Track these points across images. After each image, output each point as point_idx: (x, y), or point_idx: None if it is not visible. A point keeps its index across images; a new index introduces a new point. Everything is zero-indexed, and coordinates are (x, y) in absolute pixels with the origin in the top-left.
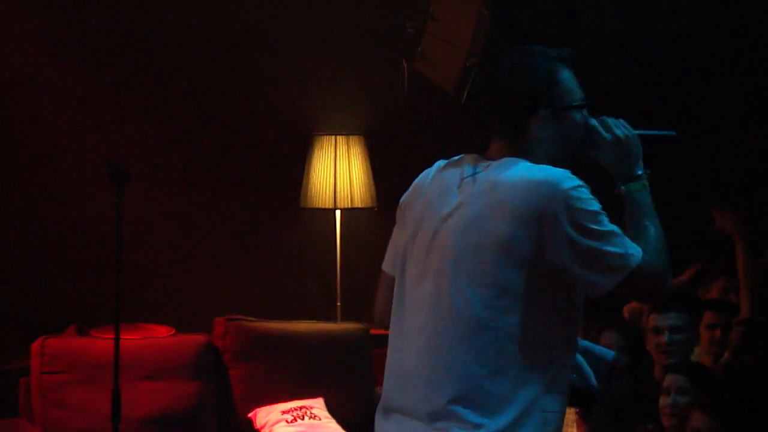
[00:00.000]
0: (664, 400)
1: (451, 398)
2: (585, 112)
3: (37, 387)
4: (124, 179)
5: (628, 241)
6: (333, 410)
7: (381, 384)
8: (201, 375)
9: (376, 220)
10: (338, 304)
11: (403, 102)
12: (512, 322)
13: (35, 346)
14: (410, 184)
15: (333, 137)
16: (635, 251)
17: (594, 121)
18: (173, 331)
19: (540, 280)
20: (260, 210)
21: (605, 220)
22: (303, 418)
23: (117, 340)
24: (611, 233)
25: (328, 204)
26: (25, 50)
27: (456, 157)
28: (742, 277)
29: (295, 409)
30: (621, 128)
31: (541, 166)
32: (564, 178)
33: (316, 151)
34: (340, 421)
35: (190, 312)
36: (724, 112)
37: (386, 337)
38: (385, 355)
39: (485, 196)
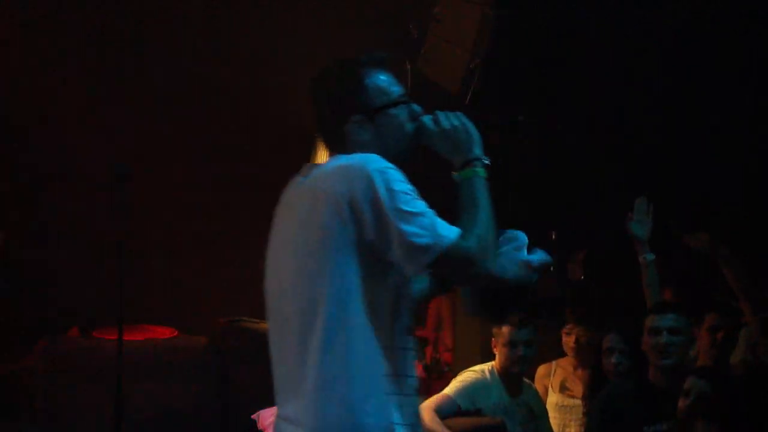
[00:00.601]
0: (683, 402)
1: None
2: (414, 107)
3: (40, 388)
4: (128, 180)
5: (440, 223)
6: None
7: None
8: (203, 376)
9: None
10: None
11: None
12: (348, 307)
13: (38, 347)
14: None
15: None
16: (447, 233)
17: (426, 117)
18: (176, 333)
19: (369, 264)
20: (263, 211)
21: (415, 201)
22: None
23: (120, 341)
24: (420, 214)
25: None
26: (28, 54)
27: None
28: (736, 287)
29: None
30: (451, 120)
31: (355, 154)
32: (370, 160)
33: (319, 152)
34: None
35: (192, 313)
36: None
37: None
38: None
39: (307, 196)
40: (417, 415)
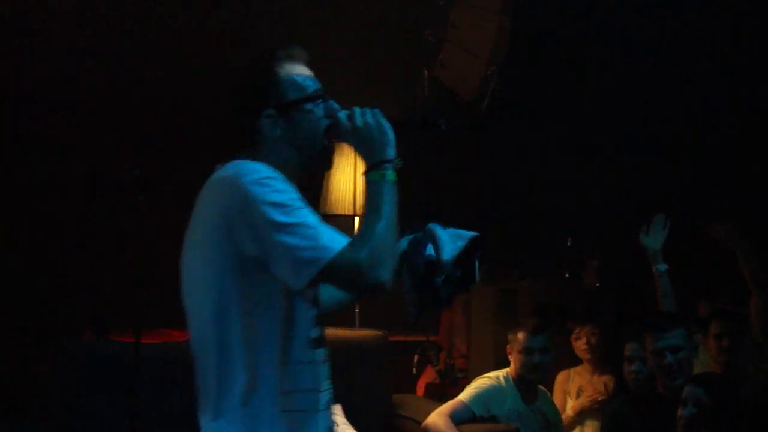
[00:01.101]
0: (681, 411)
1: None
2: (331, 103)
3: (55, 390)
4: (144, 183)
5: (322, 233)
6: (351, 417)
7: (399, 391)
8: None
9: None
10: (356, 310)
11: (423, 109)
12: (235, 324)
13: (54, 349)
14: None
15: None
16: (332, 243)
17: (342, 113)
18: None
19: (251, 276)
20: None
21: (296, 211)
22: None
23: (137, 344)
24: (300, 225)
25: (348, 210)
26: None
27: None
28: (751, 281)
29: None
30: (366, 117)
31: (239, 164)
32: (248, 170)
33: (336, 157)
34: (359, 428)
35: None
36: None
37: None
38: (403, 362)
39: (198, 204)
40: (324, 428)
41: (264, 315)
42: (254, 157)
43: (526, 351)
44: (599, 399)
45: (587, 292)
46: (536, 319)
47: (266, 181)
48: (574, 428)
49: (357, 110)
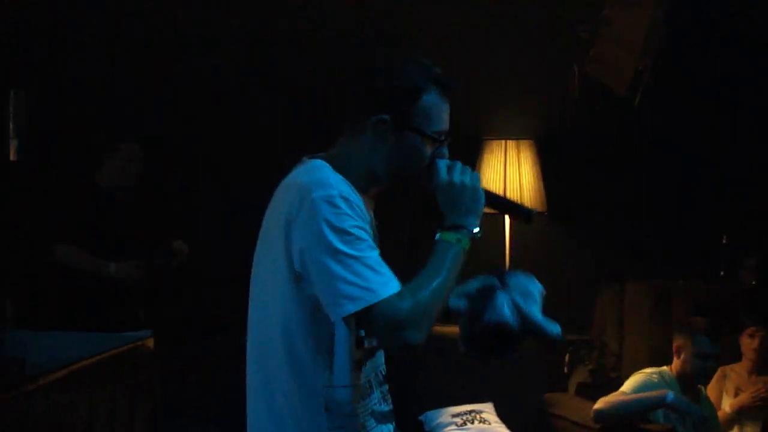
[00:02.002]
0: None
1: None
2: (443, 150)
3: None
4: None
5: (380, 276)
6: (503, 415)
7: (551, 390)
8: None
9: (546, 224)
10: None
11: (575, 106)
12: (287, 333)
13: (211, 344)
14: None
15: (503, 141)
16: (381, 289)
17: (443, 161)
18: None
19: (298, 284)
20: (429, 213)
21: (356, 241)
22: (473, 422)
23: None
24: (357, 258)
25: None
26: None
27: None
28: None
29: (465, 413)
30: (465, 177)
31: (317, 170)
32: (321, 184)
33: (485, 155)
34: (510, 426)
35: None
36: None
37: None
38: (555, 360)
39: (273, 204)
40: None
41: (314, 328)
42: (343, 156)
43: (704, 356)
44: (761, 396)
45: (744, 291)
46: (713, 323)
47: (338, 202)
48: (732, 427)
49: (459, 166)
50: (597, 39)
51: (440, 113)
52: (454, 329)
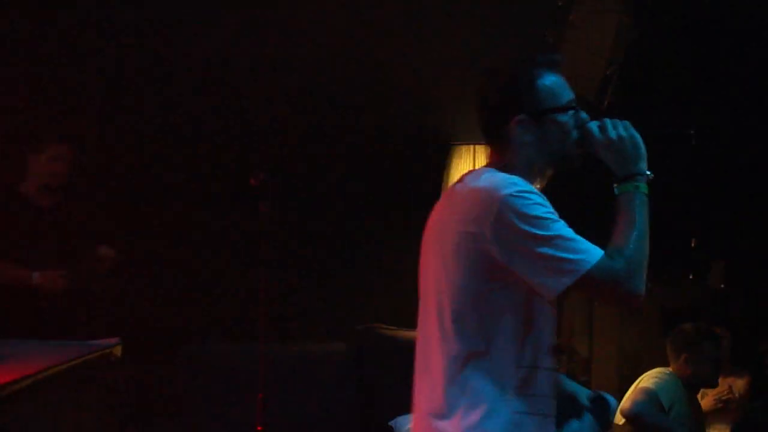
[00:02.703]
0: None
1: (428, 406)
2: (582, 114)
3: (182, 394)
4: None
5: (581, 244)
6: None
7: None
8: (342, 383)
9: None
10: None
11: None
12: (473, 324)
13: (181, 354)
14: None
15: (472, 146)
16: (588, 255)
17: (592, 123)
18: (315, 340)
19: (497, 283)
20: (399, 220)
21: (552, 224)
22: None
23: (260, 349)
24: (555, 237)
25: None
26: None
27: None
28: None
29: None
30: (619, 130)
31: (497, 174)
32: (505, 184)
33: (454, 160)
34: None
35: (331, 321)
36: None
37: None
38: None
39: (447, 208)
40: None
41: (505, 319)
42: (504, 164)
43: (715, 360)
44: (723, 399)
45: (713, 294)
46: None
47: (523, 194)
48: None
49: (608, 122)
50: (564, 43)
51: (560, 86)
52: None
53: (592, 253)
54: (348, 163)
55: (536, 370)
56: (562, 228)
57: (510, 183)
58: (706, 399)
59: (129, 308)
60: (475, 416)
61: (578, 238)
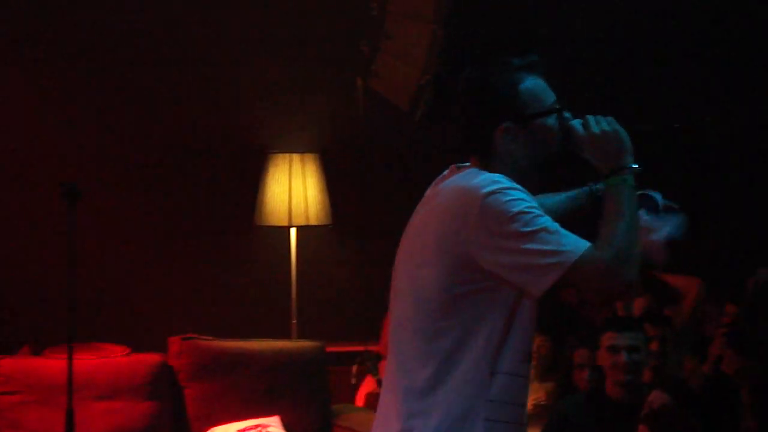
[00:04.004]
0: (644, 416)
1: (402, 409)
2: (565, 113)
3: None
4: (77, 199)
5: (565, 237)
6: (289, 428)
7: (338, 401)
8: (156, 394)
9: (330, 237)
10: (293, 321)
11: (359, 120)
12: (450, 327)
13: None
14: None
15: (288, 155)
16: (574, 246)
17: (575, 121)
18: (128, 351)
19: (477, 285)
20: (215, 228)
21: (534, 218)
22: None
23: (70, 360)
24: (538, 231)
25: (283, 221)
26: None
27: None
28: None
29: (251, 428)
30: (602, 125)
31: (480, 173)
32: (486, 183)
33: (271, 169)
34: None
35: (145, 331)
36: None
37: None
38: (340, 372)
39: (429, 206)
40: None
41: (484, 322)
42: (487, 167)
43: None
44: (541, 403)
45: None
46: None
47: (505, 191)
48: None
49: (591, 118)
50: (379, 53)
51: (542, 89)
52: (235, 343)
53: (579, 244)
54: (163, 170)
55: (511, 377)
56: (547, 222)
57: (492, 181)
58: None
59: None
60: (446, 422)
61: (564, 231)
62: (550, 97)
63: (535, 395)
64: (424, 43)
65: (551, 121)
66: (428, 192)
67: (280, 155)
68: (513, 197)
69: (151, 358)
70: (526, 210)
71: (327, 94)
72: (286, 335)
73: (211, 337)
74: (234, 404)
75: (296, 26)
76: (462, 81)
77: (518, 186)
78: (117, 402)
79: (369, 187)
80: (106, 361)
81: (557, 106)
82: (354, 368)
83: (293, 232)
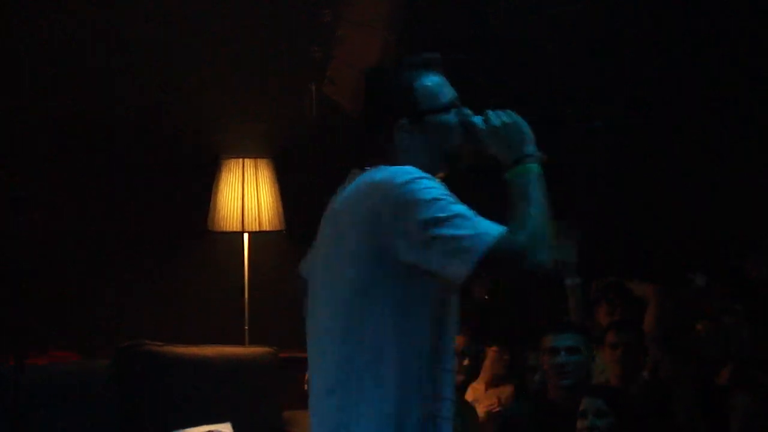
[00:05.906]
0: (581, 423)
1: (334, 412)
2: (464, 110)
3: None
4: (24, 205)
5: (480, 222)
6: None
7: (290, 407)
8: (106, 401)
9: (284, 243)
10: (246, 327)
11: (312, 125)
12: (371, 326)
13: None
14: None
15: (241, 160)
16: (488, 230)
17: (476, 117)
18: (78, 357)
19: (399, 279)
20: (167, 233)
21: (447, 204)
22: None
23: (18, 366)
24: (454, 217)
25: (236, 227)
26: None
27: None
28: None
29: None
30: (502, 117)
31: (389, 167)
32: (398, 174)
33: (223, 174)
34: None
35: (95, 337)
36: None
37: (297, 359)
38: (293, 378)
39: (339, 206)
40: None
41: (415, 319)
42: (390, 165)
43: None
44: (494, 411)
45: (478, 307)
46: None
47: (418, 181)
48: None
49: (491, 112)
50: (332, 59)
51: (439, 86)
52: (187, 349)
53: (494, 228)
54: (114, 175)
55: (441, 371)
56: (461, 208)
57: (403, 172)
58: (478, 410)
59: None
60: (380, 420)
61: (478, 217)
62: (447, 93)
63: (488, 401)
64: (375, 50)
65: (449, 117)
66: (333, 201)
67: (233, 160)
68: (426, 186)
69: (102, 365)
70: (440, 197)
71: (280, 99)
72: (239, 341)
73: (162, 343)
74: (186, 410)
75: (249, 31)
76: (365, 78)
77: (429, 175)
78: (66, 409)
79: (322, 192)
80: (56, 367)
81: (455, 103)
82: (306, 375)
83: (246, 237)
